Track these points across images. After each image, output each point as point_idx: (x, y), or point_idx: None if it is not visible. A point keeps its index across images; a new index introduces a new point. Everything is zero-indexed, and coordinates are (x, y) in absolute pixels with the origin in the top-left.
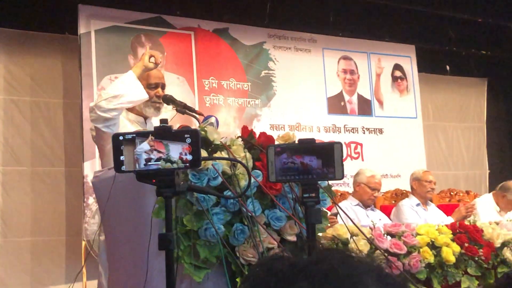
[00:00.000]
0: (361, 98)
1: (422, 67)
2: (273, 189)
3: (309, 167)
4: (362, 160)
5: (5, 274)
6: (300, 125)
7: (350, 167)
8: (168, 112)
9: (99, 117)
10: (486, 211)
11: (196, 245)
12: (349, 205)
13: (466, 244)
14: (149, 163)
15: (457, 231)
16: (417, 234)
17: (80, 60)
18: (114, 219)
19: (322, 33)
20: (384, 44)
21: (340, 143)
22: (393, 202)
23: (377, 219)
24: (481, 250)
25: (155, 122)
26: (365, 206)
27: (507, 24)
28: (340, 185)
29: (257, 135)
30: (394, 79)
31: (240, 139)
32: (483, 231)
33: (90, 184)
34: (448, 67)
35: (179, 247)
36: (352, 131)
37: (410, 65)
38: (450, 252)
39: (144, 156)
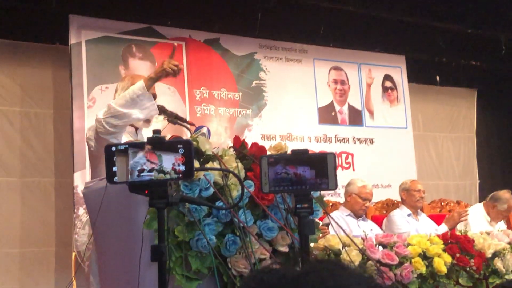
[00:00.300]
0: (351, 108)
1: (412, 78)
2: (265, 199)
3: (303, 177)
4: (353, 170)
5: None
6: (291, 135)
7: (341, 177)
8: (159, 122)
9: (107, 131)
10: (476, 221)
11: (187, 256)
12: (341, 215)
13: (458, 255)
14: (142, 174)
15: (449, 241)
16: (409, 244)
17: (71, 70)
18: (105, 230)
19: (313, 43)
20: (375, 54)
21: (333, 154)
22: (384, 212)
23: (368, 229)
24: (472, 260)
25: (145, 132)
26: (357, 216)
27: (497, 35)
28: (332, 195)
29: (248, 145)
30: (385, 89)
31: (232, 149)
32: (474, 241)
33: (81, 195)
34: (438, 78)
35: (170, 258)
36: (343, 141)
37: (400, 76)
38: (442, 263)
39: (137, 167)
